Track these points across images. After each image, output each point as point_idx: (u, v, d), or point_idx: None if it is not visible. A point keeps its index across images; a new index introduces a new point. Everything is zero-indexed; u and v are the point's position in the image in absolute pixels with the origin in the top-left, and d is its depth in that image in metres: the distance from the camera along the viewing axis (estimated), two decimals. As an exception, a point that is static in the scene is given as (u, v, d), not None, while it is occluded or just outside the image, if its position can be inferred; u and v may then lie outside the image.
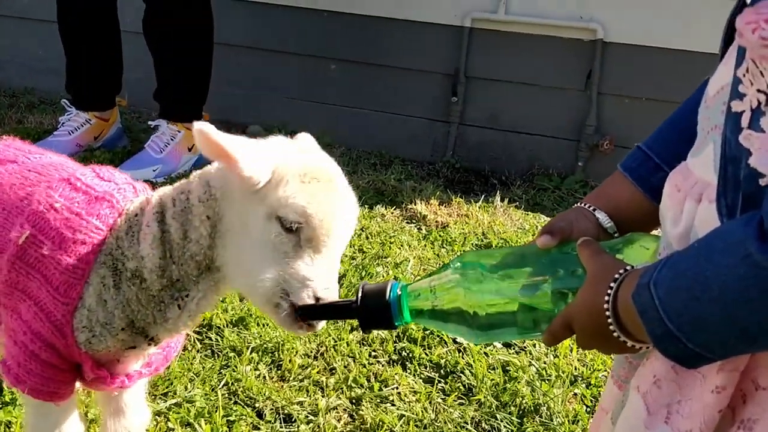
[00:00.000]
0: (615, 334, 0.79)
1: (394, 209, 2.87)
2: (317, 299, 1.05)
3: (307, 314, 1.06)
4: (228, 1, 3.80)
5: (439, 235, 2.67)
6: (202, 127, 1.00)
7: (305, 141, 1.21)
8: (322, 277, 1.05)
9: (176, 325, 1.18)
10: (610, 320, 0.78)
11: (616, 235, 0.99)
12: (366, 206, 2.82)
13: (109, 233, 1.17)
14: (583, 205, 1.02)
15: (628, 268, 0.80)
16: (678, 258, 0.71)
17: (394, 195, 3.00)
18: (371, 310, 0.98)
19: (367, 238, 2.59)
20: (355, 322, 0.99)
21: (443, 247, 2.59)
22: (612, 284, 0.78)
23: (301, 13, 3.76)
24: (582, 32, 3.45)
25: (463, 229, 2.73)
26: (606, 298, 0.78)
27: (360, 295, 0.99)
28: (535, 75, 3.54)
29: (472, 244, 2.64)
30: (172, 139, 3.08)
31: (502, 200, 3.06)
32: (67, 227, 1.15)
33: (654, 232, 0.96)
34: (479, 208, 2.95)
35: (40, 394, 1.21)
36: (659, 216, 0.89)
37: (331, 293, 1.06)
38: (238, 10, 3.80)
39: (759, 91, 0.69)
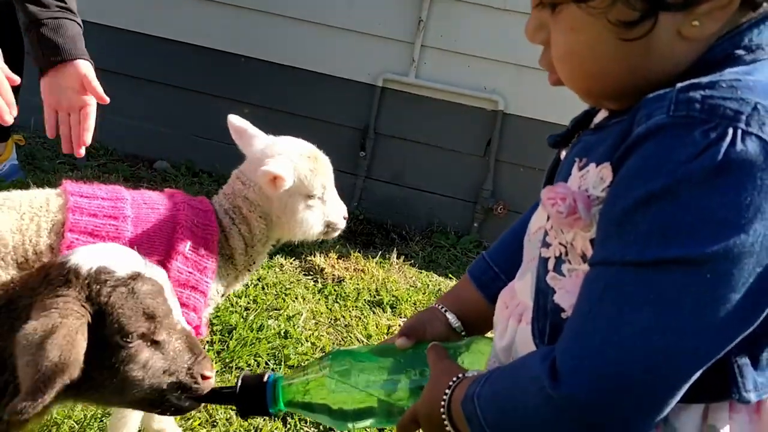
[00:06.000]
0: (449, 430, 0.92)
1: (294, 260, 2.96)
2: (344, 217, 1.80)
3: (194, 398, 1.17)
4: (144, 36, 3.84)
5: (334, 290, 2.77)
6: (268, 171, 1.63)
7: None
8: (338, 203, 1.81)
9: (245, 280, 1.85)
10: (445, 420, 0.91)
11: (463, 333, 1.13)
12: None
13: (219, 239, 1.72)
14: (437, 305, 1.16)
15: (460, 375, 0.92)
16: (497, 376, 0.85)
17: (294, 245, 3.08)
18: (248, 397, 1.10)
19: (263, 288, 2.66)
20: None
21: (336, 302, 2.69)
22: (447, 390, 0.91)
23: (218, 55, 3.84)
24: (485, 102, 3.68)
25: (358, 284, 2.85)
26: (442, 402, 0.91)
27: (239, 383, 1.11)
28: (439, 137, 3.74)
29: (365, 300, 2.75)
30: None
31: (398, 257, 3.20)
32: (205, 234, 1.67)
33: (490, 334, 1.11)
34: (376, 263, 3.08)
35: None
36: (493, 323, 1.03)
37: (342, 204, 1.82)
38: (155, 46, 3.84)
39: (560, 243, 0.85)
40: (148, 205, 1.67)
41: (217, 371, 2.16)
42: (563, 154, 0.96)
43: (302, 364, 2.27)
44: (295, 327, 2.44)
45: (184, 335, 1.11)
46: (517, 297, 0.97)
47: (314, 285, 2.81)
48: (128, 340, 1.04)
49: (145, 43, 3.85)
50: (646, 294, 0.71)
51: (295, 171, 1.68)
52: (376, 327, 2.58)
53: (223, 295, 1.77)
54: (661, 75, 0.78)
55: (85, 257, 1.05)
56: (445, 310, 1.14)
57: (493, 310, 1.08)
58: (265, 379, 1.10)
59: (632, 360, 0.71)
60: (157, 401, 1.10)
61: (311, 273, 2.89)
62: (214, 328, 2.31)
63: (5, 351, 1.01)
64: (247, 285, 2.65)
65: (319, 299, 2.69)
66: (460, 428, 0.90)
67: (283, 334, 2.39)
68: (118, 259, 1.07)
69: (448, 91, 3.68)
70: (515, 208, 3.69)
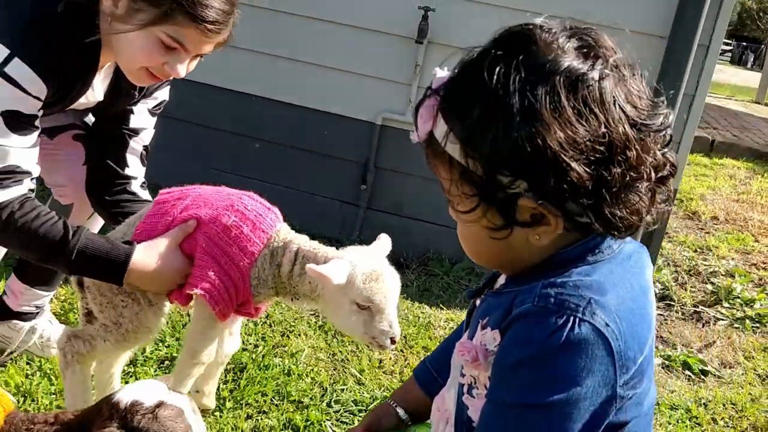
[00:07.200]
0: None
1: (298, 295, 3.30)
2: (392, 338, 1.74)
3: None
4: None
5: (332, 326, 3.11)
6: (314, 269, 1.67)
7: (380, 245, 1.95)
8: (389, 324, 1.74)
9: (289, 303, 1.97)
10: None
11: (409, 423, 1.48)
12: (273, 292, 3.24)
13: (273, 236, 1.87)
14: (390, 401, 1.51)
15: None
16: None
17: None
18: None
19: (270, 326, 3.01)
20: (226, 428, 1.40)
21: (335, 338, 3.04)
22: None
23: (231, 94, 4.17)
24: (476, 140, 3.97)
25: (355, 319, 3.18)
26: None
27: None
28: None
29: (361, 334, 3.09)
30: None
31: (394, 288, 3.52)
32: (256, 220, 1.86)
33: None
34: (372, 296, 3.41)
35: (221, 315, 1.86)
36: (431, 421, 1.37)
37: (396, 329, 1.75)
38: (176, 86, 4.17)
39: (471, 375, 1.19)
40: (218, 191, 1.94)
41: (229, 408, 2.52)
42: (478, 301, 1.29)
43: (302, 400, 2.62)
44: (298, 364, 2.79)
45: None
46: (446, 404, 1.31)
47: (315, 321, 3.15)
48: None
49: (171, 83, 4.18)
50: (519, 426, 1.05)
51: (348, 274, 1.71)
52: (369, 361, 2.92)
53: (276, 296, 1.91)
54: (526, 263, 1.14)
55: (125, 393, 1.37)
56: (396, 405, 1.51)
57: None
58: None
59: None
60: None
61: (313, 309, 3.23)
62: (228, 367, 2.66)
63: None
64: (256, 323, 3.01)
65: (319, 335, 3.04)
66: None
67: (286, 371, 2.73)
68: (149, 391, 1.37)
69: (442, 129, 3.97)
70: (504, 237, 3.99)
